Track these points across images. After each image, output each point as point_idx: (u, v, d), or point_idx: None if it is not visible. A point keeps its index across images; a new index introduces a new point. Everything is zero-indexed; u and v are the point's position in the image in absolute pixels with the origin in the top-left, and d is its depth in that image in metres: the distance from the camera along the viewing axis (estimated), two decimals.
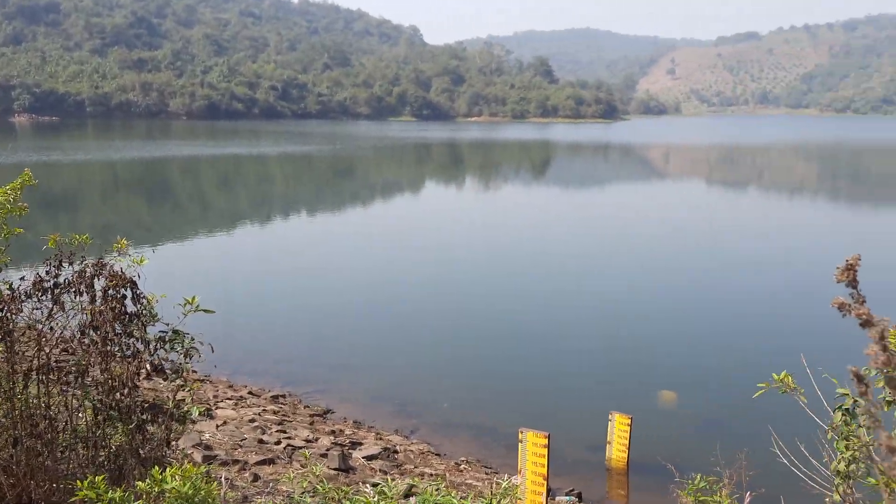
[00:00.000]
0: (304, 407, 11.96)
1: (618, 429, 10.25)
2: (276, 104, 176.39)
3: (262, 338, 15.83)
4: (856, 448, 4.72)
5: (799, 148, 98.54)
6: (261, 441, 9.16)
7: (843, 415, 5.00)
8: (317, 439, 9.78)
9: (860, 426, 4.94)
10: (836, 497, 4.87)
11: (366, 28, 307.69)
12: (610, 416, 10.29)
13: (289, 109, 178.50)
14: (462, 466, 9.89)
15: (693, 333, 16.49)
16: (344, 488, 5.52)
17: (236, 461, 8.06)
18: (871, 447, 4.73)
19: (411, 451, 10.23)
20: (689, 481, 5.45)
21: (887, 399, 4.86)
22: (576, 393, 13.06)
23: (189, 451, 7.53)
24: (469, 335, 16.19)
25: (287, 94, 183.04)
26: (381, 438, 10.62)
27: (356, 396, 12.67)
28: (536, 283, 20.86)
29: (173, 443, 4.90)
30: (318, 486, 5.14)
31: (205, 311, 4.84)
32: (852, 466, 4.77)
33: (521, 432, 8.18)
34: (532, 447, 8.07)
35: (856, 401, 5.01)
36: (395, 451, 9.96)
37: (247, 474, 7.69)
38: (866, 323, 1.02)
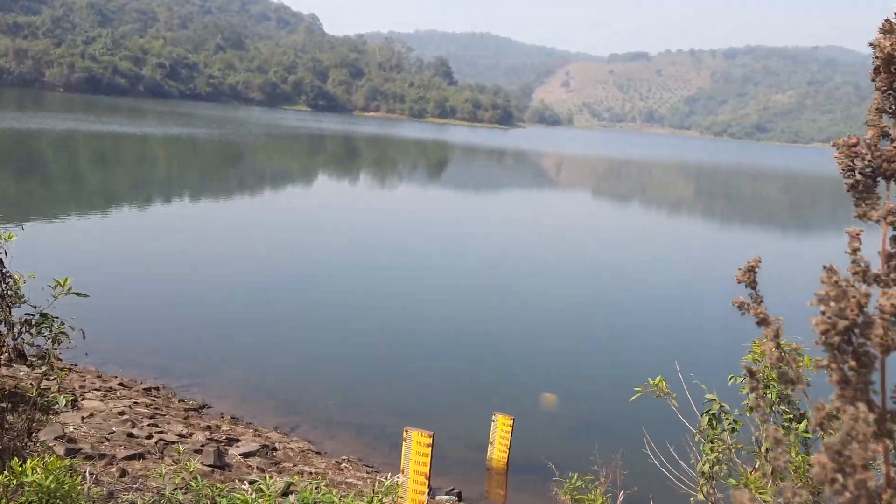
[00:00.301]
0: (179, 401, 11.46)
1: (500, 429, 10.42)
2: (163, 83, 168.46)
3: (136, 326, 15.04)
4: (720, 450, 5.01)
5: (680, 167, 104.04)
6: (130, 435, 8.70)
7: (709, 419, 5.30)
8: (191, 434, 9.40)
9: (724, 430, 5.25)
10: (700, 497, 5.15)
11: (263, 12, 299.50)
12: (493, 417, 10.45)
13: (177, 89, 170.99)
14: (343, 465, 9.77)
15: (576, 339, 17.02)
16: (219, 485, 5.32)
17: (103, 455, 7.62)
18: (732, 449, 5.03)
19: (291, 448, 10.01)
20: (567, 480, 5.61)
21: (749, 406, 5.20)
22: (461, 394, 13.18)
23: (51, 444, 7.04)
24: (355, 332, 16.05)
25: (175, 73, 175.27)
26: (259, 435, 10.33)
27: (235, 391, 12.26)
28: (426, 282, 20.98)
29: (35, 434, 4.56)
30: (192, 483, 4.93)
31: (77, 294, 4.53)
32: (716, 468, 5.05)
33: (406, 431, 8.17)
34: (416, 446, 8.07)
35: (722, 406, 5.32)
36: (274, 449, 9.72)
37: (114, 469, 7.28)
38: (762, 321, 1.04)
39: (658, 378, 5.53)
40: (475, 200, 45.77)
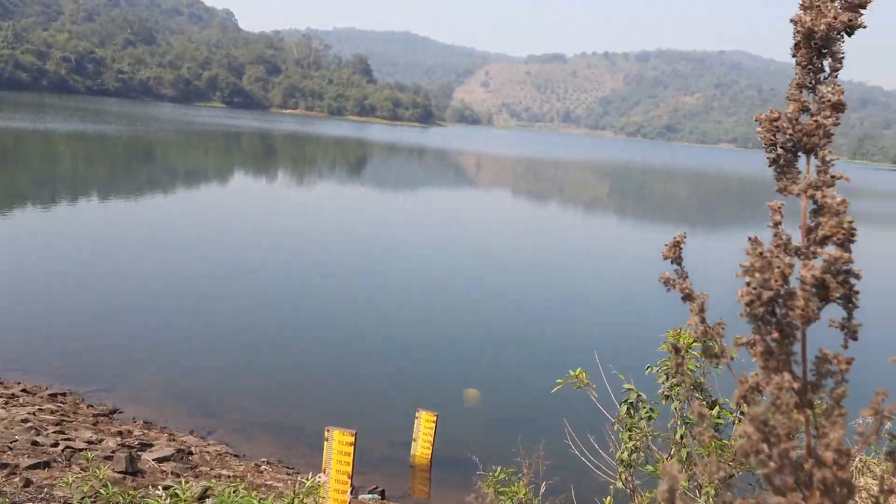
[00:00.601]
0: (88, 406, 10.94)
1: (423, 426, 10.42)
2: (68, 77, 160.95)
3: (40, 331, 14.27)
4: (637, 438, 5.14)
5: (596, 166, 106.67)
6: (35, 443, 8.24)
7: (627, 408, 5.43)
8: (101, 441, 8.98)
9: (641, 418, 5.39)
10: (619, 484, 5.27)
11: (175, 6, 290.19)
12: (416, 414, 10.43)
13: (83, 84, 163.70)
14: (263, 468, 9.55)
15: (498, 335, 17.17)
16: (131, 492, 5.09)
17: (5, 465, 7.18)
18: (649, 437, 5.18)
19: (208, 452, 9.71)
20: (491, 474, 5.64)
21: (665, 394, 5.35)
22: (384, 392, 13.09)
23: None
24: (273, 332, 15.71)
25: (82, 67, 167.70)
26: (174, 440, 9.98)
27: (147, 395, 11.80)
28: (346, 281, 20.77)
29: None
30: (102, 491, 4.70)
31: None
32: (634, 455, 5.18)
33: (328, 430, 8.05)
34: (338, 445, 7.96)
35: (639, 395, 5.46)
36: (190, 453, 9.40)
37: (17, 479, 6.87)
38: (687, 297, 1.04)
39: (578, 370, 5.63)
40: (395, 199, 45.63)
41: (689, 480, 5.08)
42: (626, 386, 5.41)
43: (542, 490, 5.90)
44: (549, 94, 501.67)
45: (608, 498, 5.17)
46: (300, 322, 16.54)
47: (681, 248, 1.15)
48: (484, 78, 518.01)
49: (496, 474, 5.63)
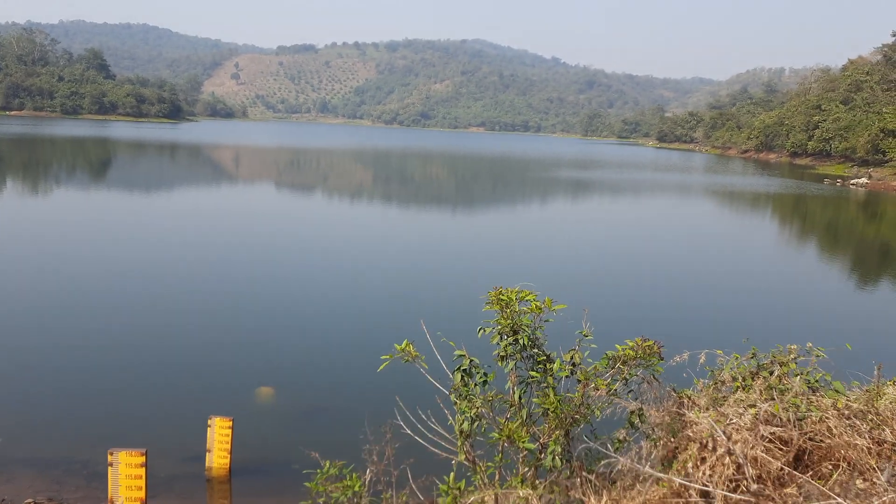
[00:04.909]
0: None
1: (218, 434, 9.47)
2: None
3: None
4: (478, 406, 4.85)
5: (356, 153, 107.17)
6: None
7: (462, 376, 5.13)
8: None
9: (476, 384, 5.11)
10: (462, 457, 4.97)
11: None
12: (209, 422, 9.44)
13: None
14: None
15: (293, 325, 16.32)
16: None
17: None
18: (491, 401, 4.91)
19: None
20: (319, 471, 5.05)
21: (501, 354, 5.12)
22: (169, 402, 11.78)
23: None
24: (21, 349, 13.53)
25: None
26: None
27: None
28: (114, 290, 18.57)
29: None
30: None
31: None
32: (476, 424, 4.90)
33: (111, 454, 6.93)
34: (125, 469, 6.90)
35: (472, 360, 5.18)
36: None
37: None
38: None
39: (405, 342, 5.22)
40: (148, 199, 42.10)
41: (532, 440, 4.90)
42: (458, 352, 5.11)
43: (367, 477, 5.43)
44: (304, 85, 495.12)
45: (451, 474, 4.82)
46: (55, 338, 14.40)
47: None
48: (234, 70, 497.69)
49: (325, 470, 5.05)
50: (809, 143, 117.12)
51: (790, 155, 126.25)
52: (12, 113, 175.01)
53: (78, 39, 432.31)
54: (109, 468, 6.96)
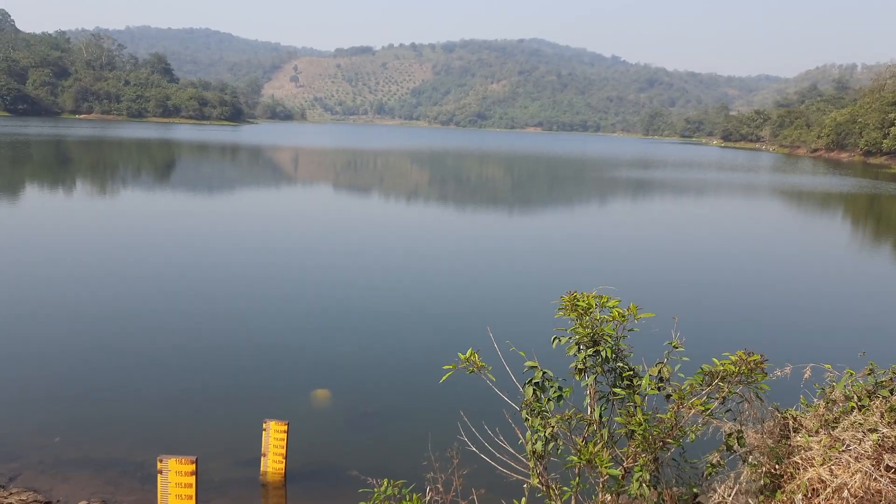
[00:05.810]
0: None
1: (273, 438, 9.18)
2: None
3: None
4: (553, 425, 4.31)
5: (413, 154, 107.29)
6: None
7: (533, 390, 4.59)
8: None
9: (550, 399, 4.57)
10: (535, 482, 4.45)
11: None
12: (264, 426, 9.15)
13: None
14: None
15: (356, 330, 16.02)
16: None
17: None
18: (571, 421, 4.37)
19: (10, 503, 7.92)
20: (376, 489, 4.61)
21: (579, 367, 4.56)
22: (224, 405, 11.56)
23: None
24: (83, 351, 13.56)
25: None
26: None
27: None
28: (169, 291, 18.63)
29: None
30: None
31: None
32: (551, 445, 4.37)
33: (161, 461, 6.64)
34: (174, 476, 6.61)
35: (545, 373, 4.63)
36: None
37: None
38: None
39: (469, 351, 4.72)
40: (212, 201, 42.71)
41: (614, 464, 4.35)
42: (529, 363, 4.57)
43: (428, 498, 4.96)
44: (361, 87, 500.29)
45: (523, 499, 4.30)
46: (113, 339, 14.41)
47: None
48: (293, 73, 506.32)
49: (382, 489, 4.59)
50: (884, 141, 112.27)
51: (863, 154, 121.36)
52: (81, 116, 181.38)
53: (143, 44, 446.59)
54: (159, 475, 6.69)
